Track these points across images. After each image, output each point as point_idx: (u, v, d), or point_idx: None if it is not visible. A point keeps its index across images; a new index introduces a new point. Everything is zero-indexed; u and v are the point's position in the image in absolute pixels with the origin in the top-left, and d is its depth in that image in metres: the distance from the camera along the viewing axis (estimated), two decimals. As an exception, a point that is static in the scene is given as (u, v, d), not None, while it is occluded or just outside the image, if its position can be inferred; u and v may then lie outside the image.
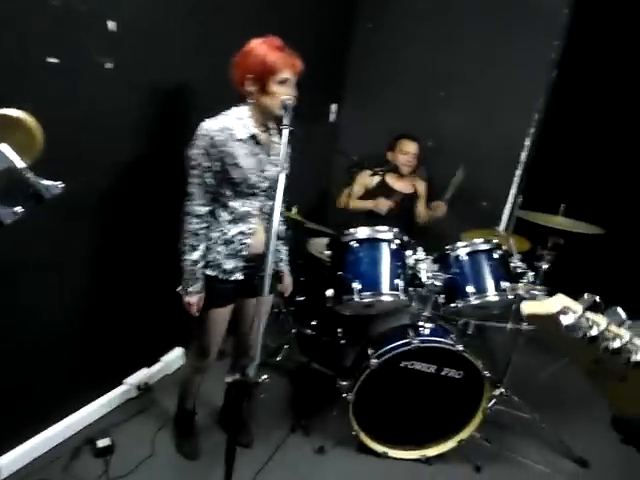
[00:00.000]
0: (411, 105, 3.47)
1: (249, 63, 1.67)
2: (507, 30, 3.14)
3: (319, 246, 2.89)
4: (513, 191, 3.30)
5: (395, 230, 2.25)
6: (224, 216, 1.80)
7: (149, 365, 2.54)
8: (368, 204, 3.04)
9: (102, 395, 2.31)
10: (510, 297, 2.29)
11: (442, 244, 2.39)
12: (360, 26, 3.55)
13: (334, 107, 3.63)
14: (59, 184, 0.87)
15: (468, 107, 3.35)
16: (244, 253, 1.84)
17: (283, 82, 1.68)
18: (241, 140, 1.72)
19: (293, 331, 2.89)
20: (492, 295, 2.26)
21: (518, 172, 3.29)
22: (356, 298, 2.15)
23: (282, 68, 1.66)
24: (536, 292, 2.39)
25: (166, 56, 2.07)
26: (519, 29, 3.11)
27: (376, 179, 3.07)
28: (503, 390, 2.64)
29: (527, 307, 0.81)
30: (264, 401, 2.41)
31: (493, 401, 2.47)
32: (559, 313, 0.76)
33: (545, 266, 2.39)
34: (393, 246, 2.23)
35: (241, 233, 1.82)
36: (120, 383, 2.38)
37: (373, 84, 3.58)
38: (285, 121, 1.55)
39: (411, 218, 3.28)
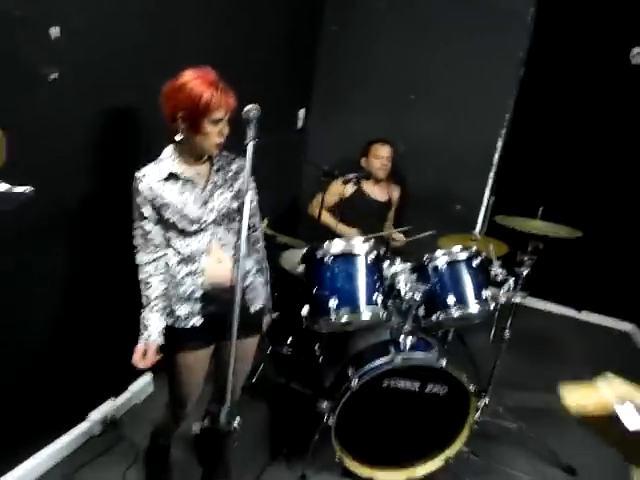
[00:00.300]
0: (381, 109, 3.40)
1: (181, 99, 1.54)
2: (475, 30, 3.10)
3: (292, 260, 2.76)
4: (487, 194, 3.24)
5: (371, 242, 2.14)
6: (172, 259, 1.69)
7: (115, 395, 2.36)
8: (333, 225, 2.99)
9: (62, 435, 2.11)
10: (492, 306, 2.22)
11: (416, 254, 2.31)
12: (325, 29, 3.45)
13: (302, 113, 3.51)
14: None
15: (439, 109, 3.29)
16: (197, 295, 1.69)
17: (216, 121, 1.57)
18: (162, 180, 1.62)
19: (268, 351, 2.75)
20: (473, 305, 2.18)
21: (491, 174, 3.23)
22: (333, 317, 2.03)
23: (216, 108, 1.54)
24: (518, 298, 2.35)
25: (119, 63, 1.92)
26: (487, 29, 3.07)
27: (350, 187, 2.98)
28: (487, 401, 2.56)
29: (570, 397, 0.60)
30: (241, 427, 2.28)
31: (478, 413, 2.40)
32: (617, 409, 0.56)
33: (526, 271, 2.32)
34: (369, 259, 2.12)
35: (190, 274, 1.68)
36: (83, 418, 2.20)
37: (341, 88, 3.49)
38: (250, 134, 1.42)
39: (383, 227, 3.21)
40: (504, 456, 2.47)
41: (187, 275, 1.68)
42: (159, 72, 1.60)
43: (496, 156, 3.22)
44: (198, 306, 1.70)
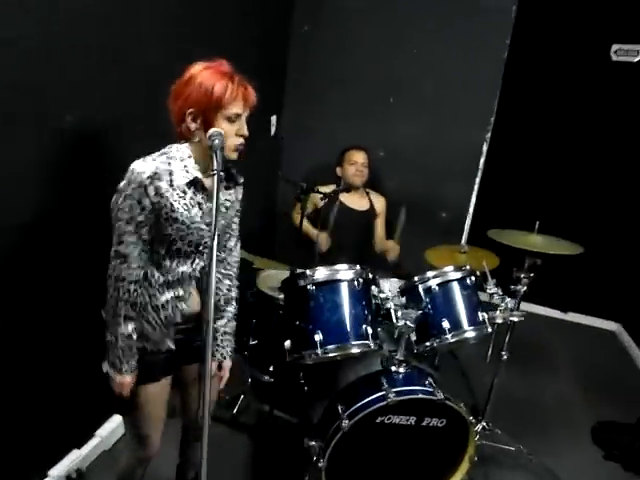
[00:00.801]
0: (359, 113, 3.22)
1: (189, 93, 1.33)
2: (456, 29, 2.95)
3: (270, 281, 2.57)
4: (473, 200, 3.09)
5: (357, 267, 1.96)
6: (157, 278, 1.43)
7: (79, 445, 2.13)
8: (313, 235, 2.81)
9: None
10: (489, 329, 2.07)
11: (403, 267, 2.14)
12: (297, 29, 3.23)
13: (274, 119, 3.30)
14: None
15: (420, 113, 3.13)
16: (177, 320, 1.49)
17: (232, 119, 1.35)
18: (179, 187, 1.36)
19: (249, 380, 2.56)
20: (470, 330, 2.03)
21: (477, 180, 3.08)
22: (319, 352, 1.85)
23: (231, 101, 1.33)
24: (515, 318, 2.20)
25: (72, 72, 1.69)
26: (468, 27, 2.92)
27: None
28: (485, 424, 2.43)
29: None
30: (221, 466, 2.09)
31: (476, 437, 2.26)
32: None
33: (523, 289, 2.18)
34: (356, 286, 1.94)
35: (176, 298, 1.47)
36: (44, 477, 1.97)
37: (316, 92, 3.30)
38: (215, 165, 1.19)
39: (368, 237, 3.03)
40: (504, 480, 2.35)
41: (171, 300, 1.46)
42: (122, 86, 1.38)
43: (482, 160, 3.07)
44: (172, 331, 1.51)
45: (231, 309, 1.69)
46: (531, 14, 3.05)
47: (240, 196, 1.60)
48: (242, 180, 1.58)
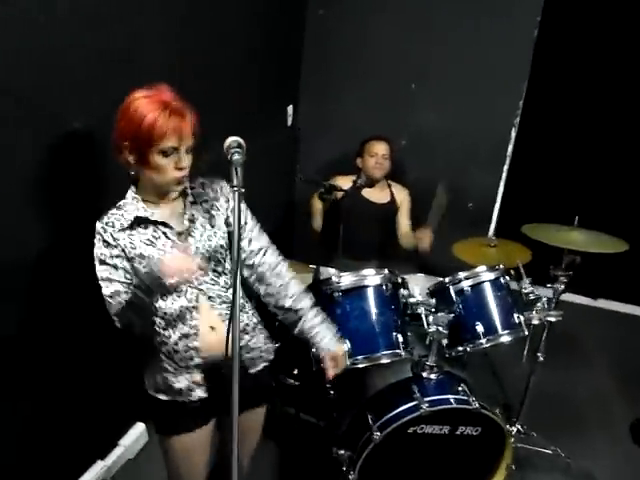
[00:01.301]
0: (378, 101, 3.07)
1: (124, 124, 1.25)
2: (482, 8, 2.75)
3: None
4: (501, 190, 2.95)
5: (385, 271, 1.86)
6: (158, 322, 1.37)
7: (103, 456, 2.09)
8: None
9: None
10: (525, 332, 1.96)
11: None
12: (311, 14, 3.07)
13: (290, 109, 3.17)
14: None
15: (443, 99, 2.98)
16: (197, 361, 1.39)
17: (168, 152, 1.26)
18: (127, 229, 1.31)
19: (273, 384, 2.48)
20: (505, 335, 1.93)
21: (505, 168, 2.93)
22: (347, 363, 1.76)
23: (162, 135, 1.23)
24: (552, 318, 2.09)
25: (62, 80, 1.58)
26: (496, 7, 2.72)
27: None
28: (520, 427, 2.33)
29: None
30: (250, 473, 2.04)
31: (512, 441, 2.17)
32: None
33: (561, 288, 2.05)
34: (384, 291, 1.85)
35: (183, 337, 1.37)
36: (68, 491, 1.94)
37: (333, 79, 3.16)
38: (235, 180, 1.09)
39: (391, 231, 2.91)
40: (541, 485, 2.26)
41: (180, 339, 1.37)
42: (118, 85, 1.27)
43: (510, 147, 2.90)
44: (199, 376, 1.40)
45: (303, 304, 1.54)
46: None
47: (233, 203, 1.44)
48: (225, 188, 1.45)
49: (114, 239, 1.30)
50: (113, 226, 1.31)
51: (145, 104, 1.23)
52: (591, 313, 4.03)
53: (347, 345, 1.76)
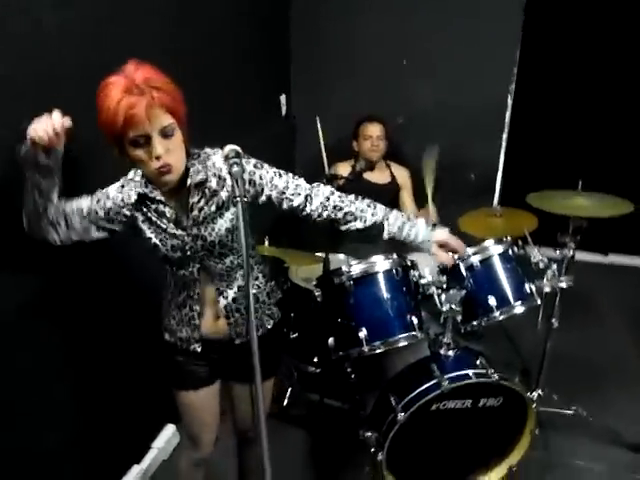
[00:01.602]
0: (371, 80, 3.05)
1: (98, 116, 1.17)
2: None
3: (301, 272, 2.50)
4: (502, 158, 2.93)
5: (393, 256, 1.87)
6: (169, 279, 1.50)
7: (139, 460, 2.16)
8: None
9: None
10: (538, 301, 1.98)
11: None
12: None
13: (283, 99, 3.15)
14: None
15: (436, 71, 2.95)
16: (196, 322, 1.47)
17: (140, 142, 1.17)
18: (130, 205, 1.35)
19: (295, 374, 2.54)
20: (518, 305, 1.95)
21: (505, 136, 2.91)
22: (365, 349, 1.80)
23: (123, 125, 1.12)
24: (564, 284, 2.10)
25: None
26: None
27: (344, 171, 2.71)
28: (540, 392, 2.37)
29: None
30: (278, 461, 2.10)
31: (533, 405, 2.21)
32: None
33: (570, 253, 2.06)
34: (395, 275, 1.86)
35: (189, 297, 1.46)
36: (110, 497, 2.01)
37: (322, 64, 3.13)
38: (236, 190, 1.09)
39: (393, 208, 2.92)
40: (567, 447, 2.31)
41: (185, 299, 1.47)
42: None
43: (508, 115, 2.88)
44: (197, 334, 1.49)
45: (377, 212, 1.50)
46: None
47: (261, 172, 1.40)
48: (211, 184, 1.35)
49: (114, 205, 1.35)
50: (115, 199, 1.35)
51: (110, 92, 1.13)
52: (603, 270, 4.03)
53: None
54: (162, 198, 1.34)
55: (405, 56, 2.97)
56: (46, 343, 1.64)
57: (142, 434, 2.22)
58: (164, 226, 1.36)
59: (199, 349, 1.51)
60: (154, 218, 1.36)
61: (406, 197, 2.89)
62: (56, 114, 1.21)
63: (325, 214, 1.47)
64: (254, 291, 1.53)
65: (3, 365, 1.48)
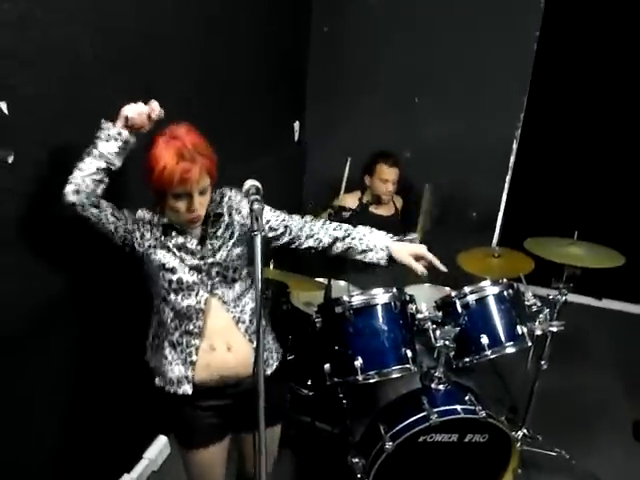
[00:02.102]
0: (382, 115, 3.15)
1: (145, 167, 1.36)
2: (481, 23, 2.83)
3: (302, 296, 2.58)
4: (504, 199, 3.03)
5: (393, 290, 1.95)
6: (167, 313, 1.48)
7: (129, 469, 2.20)
8: None
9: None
10: (528, 343, 2.05)
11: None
12: (316, 31, 3.16)
13: (297, 125, 3.26)
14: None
15: (446, 111, 3.06)
16: (193, 359, 1.47)
17: (181, 196, 1.37)
18: (158, 236, 1.45)
19: (288, 395, 2.58)
20: (509, 346, 2.01)
21: (508, 177, 3.01)
22: (360, 378, 1.86)
23: (172, 183, 1.32)
24: (554, 328, 2.17)
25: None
26: (494, 20, 2.80)
27: (352, 202, 2.79)
28: (526, 431, 2.42)
29: None
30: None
31: (518, 444, 2.26)
32: None
33: (563, 299, 2.14)
34: (393, 309, 1.93)
35: (187, 333, 1.47)
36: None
37: (337, 95, 3.24)
38: (255, 227, 1.18)
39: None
40: (548, 486, 2.36)
41: (182, 335, 1.47)
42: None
43: (512, 158, 2.99)
44: (191, 373, 1.48)
45: (343, 227, 1.63)
46: (561, 3, 2.91)
47: (243, 220, 1.53)
48: (225, 216, 1.52)
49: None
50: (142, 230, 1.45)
51: (161, 150, 1.32)
52: (596, 313, 4.10)
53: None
54: (186, 229, 1.46)
55: (417, 94, 3.08)
56: (43, 353, 1.66)
57: (134, 444, 2.27)
58: (182, 255, 1.44)
59: (190, 391, 1.48)
60: (171, 246, 1.44)
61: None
62: (155, 103, 1.40)
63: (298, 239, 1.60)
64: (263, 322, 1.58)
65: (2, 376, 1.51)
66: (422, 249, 1.63)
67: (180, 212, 1.39)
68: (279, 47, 2.94)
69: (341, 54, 3.18)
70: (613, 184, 3.58)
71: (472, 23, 2.88)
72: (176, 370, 1.48)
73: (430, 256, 1.64)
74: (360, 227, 1.65)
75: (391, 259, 1.61)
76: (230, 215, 1.51)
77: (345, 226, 1.64)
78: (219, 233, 1.49)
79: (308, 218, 1.63)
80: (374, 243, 1.61)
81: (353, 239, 1.61)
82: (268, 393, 1.46)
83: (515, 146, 2.96)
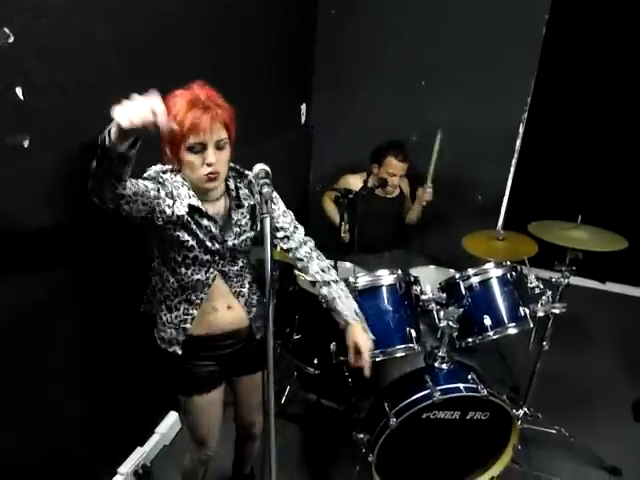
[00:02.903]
0: (389, 98, 3.16)
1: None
2: (491, 6, 2.81)
3: (308, 277, 2.62)
4: (509, 183, 3.04)
5: (398, 272, 2.00)
6: (172, 283, 1.51)
7: (142, 443, 2.29)
8: (335, 220, 2.81)
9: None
10: (530, 324, 2.10)
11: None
12: (323, 14, 3.15)
13: (303, 108, 3.27)
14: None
15: (453, 94, 3.05)
16: (187, 326, 1.54)
17: (196, 149, 1.32)
18: (179, 215, 1.39)
19: (295, 373, 2.66)
20: (511, 327, 2.07)
21: (514, 162, 3.02)
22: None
23: (189, 130, 1.28)
24: (557, 310, 2.21)
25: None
26: (504, 4, 2.78)
27: (359, 184, 2.82)
28: (527, 409, 2.48)
29: None
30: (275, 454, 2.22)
31: (518, 422, 2.32)
32: None
33: (565, 282, 2.18)
34: (398, 290, 1.99)
35: (187, 301, 1.53)
36: (113, 475, 2.13)
37: (345, 78, 3.25)
38: (265, 210, 1.21)
39: (400, 220, 3.05)
40: (547, 463, 2.41)
41: (181, 302, 1.53)
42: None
43: (518, 142, 2.99)
44: (182, 336, 1.55)
45: (327, 277, 1.66)
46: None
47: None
48: (250, 202, 1.54)
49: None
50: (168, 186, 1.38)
51: (178, 101, 1.30)
52: (600, 296, 4.13)
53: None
54: (213, 214, 1.45)
55: (425, 77, 3.08)
56: (60, 334, 1.73)
57: (147, 419, 2.35)
58: (203, 237, 1.44)
59: (179, 352, 1.55)
60: (194, 227, 1.42)
61: (407, 203, 3.03)
62: (155, 97, 1.06)
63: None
64: (256, 297, 1.66)
65: (21, 353, 1.58)
66: (365, 348, 1.64)
67: (196, 167, 1.34)
68: (287, 29, 2.94)
69: (348, 37, 3.17)
70: (617, 169, 3.59)
71: (481, 7, 2.86)
72: (168, 332, 1.55)
73: (365, 359, 1.65)
74: (342, 286, 1.68)
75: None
76: (250, 201, 1.52)
77: (331, 275, 1.67)
78: (243, 222, 1.51)
79: (311, 244, 1.69)
80: (341, 310, 1.65)
81: (329, 292, 1.65)
82: (260, 342, 1.63)
83: (522, 130, 2.97)
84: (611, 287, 4.15)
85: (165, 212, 1.36)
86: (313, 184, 3.42)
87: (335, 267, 2.30)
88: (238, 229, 1.51)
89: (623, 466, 2.39)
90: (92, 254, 1.78)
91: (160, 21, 1.91)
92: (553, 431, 2.46)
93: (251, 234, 1.56)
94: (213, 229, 1.46)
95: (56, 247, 1.63)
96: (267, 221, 1.21)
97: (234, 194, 1.50)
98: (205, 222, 1.44)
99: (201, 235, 1.44)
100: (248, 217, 1.54)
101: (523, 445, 2.42)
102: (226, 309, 1.58)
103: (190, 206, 1.40)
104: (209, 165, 1.34)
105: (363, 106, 3.22)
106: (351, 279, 1.96)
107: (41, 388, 1.68)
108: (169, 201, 1.37)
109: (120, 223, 1.68)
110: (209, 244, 1.46)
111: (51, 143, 1.52)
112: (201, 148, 1.32)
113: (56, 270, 1.65)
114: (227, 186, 1.51)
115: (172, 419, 2.45)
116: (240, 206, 1.52)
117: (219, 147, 1.35)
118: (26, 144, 1.44)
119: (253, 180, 1.51)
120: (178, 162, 1.37)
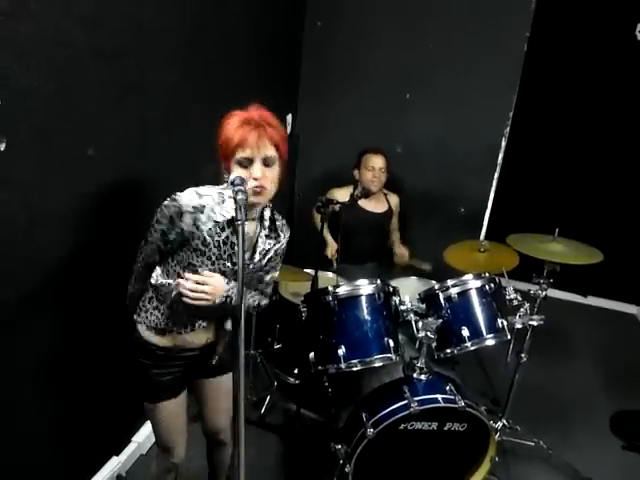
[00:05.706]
0: (374, 110, 3.19)
1: (219, 136, 1.42)
2: (474, 21, 2.87)
3: (291, 287, 2.63)
4: (492, 196, 3.08)
5: (377, 282, 2.00)
6: (168, 283, 1.54)
7: (118, 452, 2.25)
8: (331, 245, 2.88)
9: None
10: (508, 336, 2.11)
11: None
12: (309, 25, 3.19)
13: (289, 118, 3.29)
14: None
15: (437, 107, 3.09)
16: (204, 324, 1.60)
17: (244, 164, 1.39)
18: (218, 225, 1.43)
19: (275, 383, 2.65)
20: (489, 338, 2.08)
21: (496, 175, 3.06)
22: (342, 366, 1.93)
23: (235, 146, 1.36)
24: (534, 322, 2.23)
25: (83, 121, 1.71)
26: (487, 19, 2.84)
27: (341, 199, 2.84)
28: (505, 422, 2.49)
29: None
30: (250, 466, 2.20)
31: (497, 435, 2.33)
32: None
33: (543, 294, 2.20)
34: (377, 300, 1.99)
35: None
36: (87, 486, 2.10)
37: (330, 89, 3.27)
38: (239, 216, 1.21)
39: (385, 234, 3.07)
40: (525, 475, 2.42)
41: (170, 317, 1.55)
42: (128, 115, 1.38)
43: (500, 155, 3.04)
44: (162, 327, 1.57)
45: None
46: (551, 4, 2.96)
47: (284, 246, 1.63)
48: (287, 234, 1.63)
49: (195, 225, 1.41)
50: (204, 214, 1.41)
51: (235, 119, 1.40)
52: (581, 310, 4.18)
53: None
54: (247, 230, 1.47)
55: (409, 90, 3.11)
56: (36, 336, 1.71)
57: (123, 427, 2.31)
58: (223, 253, 1.46)
59: (163, 345, 1.58)
60: (222, 244, 1.45)
61: (394, 222, 3.03)
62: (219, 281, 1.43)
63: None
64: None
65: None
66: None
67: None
68: (273, 40, 2.96)
69: (334, 49, 3.20)
70: (595, 184, 3.68)
71: (464, 22, 2.91)
72: (154, 316, 1.56)
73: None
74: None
75: None
76: (278, 237, 1.58)
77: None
78: (269, 255, 1.57)
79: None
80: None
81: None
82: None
83: (504, 143, 3.01)
84: (592, 301, 4.21)
85: (203, 231, 1.42)
86: (298, 193, 3.43)
87: (316, 277, 2.31)
88: (261, 257, 1.55)
89: (599, 479, 2.40)
90: (69, 258, 1.77)
91: (142, 30, 1.92)
92: (531, 443, 2.47)
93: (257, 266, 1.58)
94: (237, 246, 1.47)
95: (32, 249, 1.62)
96: (241, 228, 1.21)
97: (267, 223, 1.55)
98: (234, 239, 1.46)
99: (223, 248, 1.46)
100: (268, 249, 1.56)
101: (501, 457, 2.42)
102: (201, 328, 1.59)
103: (233, 219, 1.42)
104: (255, 179, 1.39)
105: (348, 117, 3.25)
106: (330, 288, 1.96)
107: (11, 390, 1.65)
108: (210, 224, 1.43)
109: (98, 226, 1.68)
110: (225, 260, 1.47)
111: (29, 148, 1.52)
112: (249, 163, 1.39)
113: (31, 272, 1.63)
114: (262, 214, 1.54)
115: (149, 428, 2.41)
116: (269, 237, 1.56)
117: (266, 164, 1.40)
118: (2, 148, 1.44)
119: (281, 220, 1.61)
120: (229, 174, 1.43)
